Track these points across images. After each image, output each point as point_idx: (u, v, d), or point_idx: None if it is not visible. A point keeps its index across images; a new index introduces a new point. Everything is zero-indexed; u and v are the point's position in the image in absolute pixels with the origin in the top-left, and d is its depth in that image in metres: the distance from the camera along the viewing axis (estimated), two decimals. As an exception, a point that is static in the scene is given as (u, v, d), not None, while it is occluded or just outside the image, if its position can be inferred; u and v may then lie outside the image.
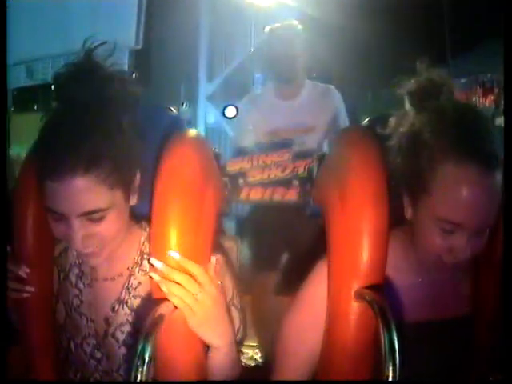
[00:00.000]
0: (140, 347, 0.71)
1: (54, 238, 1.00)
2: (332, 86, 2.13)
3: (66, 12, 3.29)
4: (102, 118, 0.84)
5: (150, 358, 0.71)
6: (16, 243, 0.96)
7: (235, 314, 0.95)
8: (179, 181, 0.84)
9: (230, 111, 1.40)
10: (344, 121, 2.08)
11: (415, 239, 0.88)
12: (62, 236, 0.86)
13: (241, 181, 1.35)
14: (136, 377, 0.70)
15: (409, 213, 0.89)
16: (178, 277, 0.81)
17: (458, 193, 0.80)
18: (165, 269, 0.81)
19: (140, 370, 0.70)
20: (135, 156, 0.88)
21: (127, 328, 0.93)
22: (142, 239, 0.96)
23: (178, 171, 0.84)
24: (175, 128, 0.99)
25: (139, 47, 3.23)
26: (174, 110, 1.08)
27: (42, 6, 3.39)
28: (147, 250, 0.94)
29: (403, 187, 0.89)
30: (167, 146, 0.87)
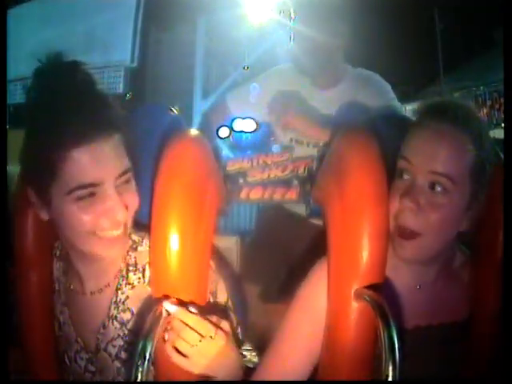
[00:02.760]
0: (140, 346, 0.71)
1: (53, 238, 1.00)
2: (376, 75, 1.65)
3: (62, 30, 3.33)
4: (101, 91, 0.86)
5: (150, 357, 0.71)
6: (16, 243, 0.96)
7: (231, 317, 0.94)
8: (179, 181, 0.84)
9: (224, 132, 1.39)
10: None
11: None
12: (94, 219, 0.82)
13: (241, 180, 1.35)
14: (136, 376, 0.69)
15: None
16: (192, 320, 0.78)
17: (414, 137, 0.88)
18: (179, 314, 0.78)
19: (140, 369, 0.70)
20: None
21: (119, 342, 0.91)
22: (127, 248, 0.93)
23: (178, 171, 0.84)
24: (175, 128, 0.99)
25: (134, 65, 3.28)
26: (174, 110, 1.08)
27: (39, 24, 3.43)
28: (132, 261, 0.93)
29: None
30: (167, 145, 0.87)
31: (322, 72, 1.60)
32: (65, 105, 0.81)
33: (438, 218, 0.85)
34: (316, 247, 0.96)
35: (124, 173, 0.84)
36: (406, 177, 0.87)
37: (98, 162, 0.80)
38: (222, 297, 0.95)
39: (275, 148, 1.44)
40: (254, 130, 1.53)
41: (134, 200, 0.86)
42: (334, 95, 1.59)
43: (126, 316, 0.91)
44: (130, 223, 0.87)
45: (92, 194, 0.81)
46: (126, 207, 0.84)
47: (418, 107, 0.93)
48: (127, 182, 0.85)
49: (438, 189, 0.84)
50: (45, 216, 0.87)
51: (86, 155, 0.79)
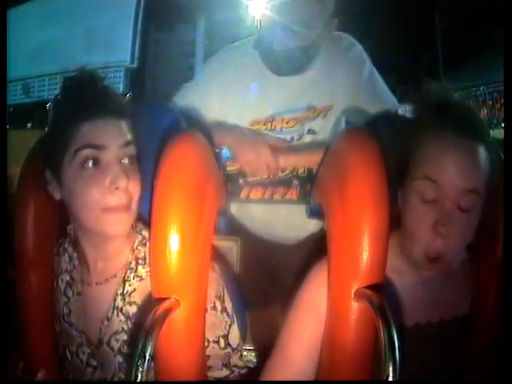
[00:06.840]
0: (141, 346, 0.71)
1: (53, 238, 1.00)
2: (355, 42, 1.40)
3: (62, 30, 3.34)
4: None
5: (150, 357, 0.70)
6: (16, 243, 0.96)
7: (223, 319, 0.94)
8: (179, 181, 0.84)
9: None
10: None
11: (405, 234, 0.89)
12: (99, 190, 0.85)
13: (241, 181, 1.35)
14: (136, 376, 0.69)
15: (399, 201, 0.91)
16: None
17: (436, 154, 0.85)
18: None
19: (141, 369, 0.69)
20: None
21: (123, 336, 0.91)
22: (136, 242, 0.95)
23: (179, 171, 0.84)
24: (175, 128, 1.00)
25: (134, 65, 3.29)
26: (174, 111, 1.08)
27: (39, 24, 3.44)
28: (141, 255, 0.94)
29: (395, 178, 0.90)
30: (167, 146, 0.87)
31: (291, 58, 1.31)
32: (84, 99, 0.88)
33: (465, 235, 0.85)
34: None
35: (127, 143, 0.89)
36: (430, 198, 0.84)
37: (102, 130, 0.87)
38: (228, 302, 0.95)
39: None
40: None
41: (136, 183, 0.90)
42: (303, 80, 1.36)
43: (132, 309, 0.92)
44: (134, 208, 0.90)
45: (95, 162, 0.86)
46: (128, 177, 0.87)
47: (421, 106, 0.91)
48: (131, 160, 0.90)
49: (467, 206, 0.84)
50: (57, 195, 0.91)
51: (92, 126, 0.87)
